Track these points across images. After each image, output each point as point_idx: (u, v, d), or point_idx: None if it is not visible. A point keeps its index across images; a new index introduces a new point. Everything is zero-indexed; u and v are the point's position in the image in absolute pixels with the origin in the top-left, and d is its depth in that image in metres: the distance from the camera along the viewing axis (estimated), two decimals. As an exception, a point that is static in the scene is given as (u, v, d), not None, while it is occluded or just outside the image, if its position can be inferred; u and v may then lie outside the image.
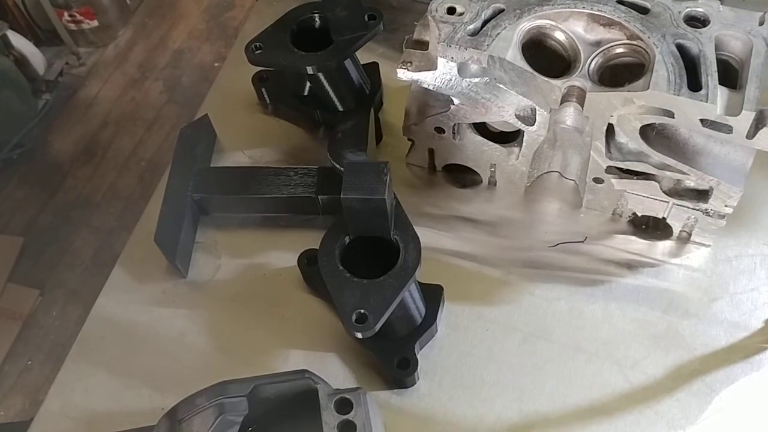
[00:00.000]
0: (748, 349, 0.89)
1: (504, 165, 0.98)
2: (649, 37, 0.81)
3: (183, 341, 0.95)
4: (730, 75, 0.80)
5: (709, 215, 0.91)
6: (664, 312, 0.92)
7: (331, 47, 1.00)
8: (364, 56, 1.10)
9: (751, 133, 0.77)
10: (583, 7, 0.85)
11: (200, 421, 0.69)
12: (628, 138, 0.84)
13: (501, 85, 0.85)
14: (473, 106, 0.89)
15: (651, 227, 0.98)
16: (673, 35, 0.80)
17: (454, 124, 0.95)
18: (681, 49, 0.80)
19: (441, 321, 0.92)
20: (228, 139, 1.12)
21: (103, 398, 0.91)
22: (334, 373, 0.91)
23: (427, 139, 0.99)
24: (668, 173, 0.87)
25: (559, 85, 0.82)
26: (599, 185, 0.94)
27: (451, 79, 0.88)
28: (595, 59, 0.85)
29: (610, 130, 0.85)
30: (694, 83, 0.77)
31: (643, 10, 0.84)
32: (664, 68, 0.78)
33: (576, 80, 0.82)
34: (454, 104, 0.91)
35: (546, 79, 0.83)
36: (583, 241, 0.98)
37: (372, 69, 1.11)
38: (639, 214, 0.96)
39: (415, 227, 0.86)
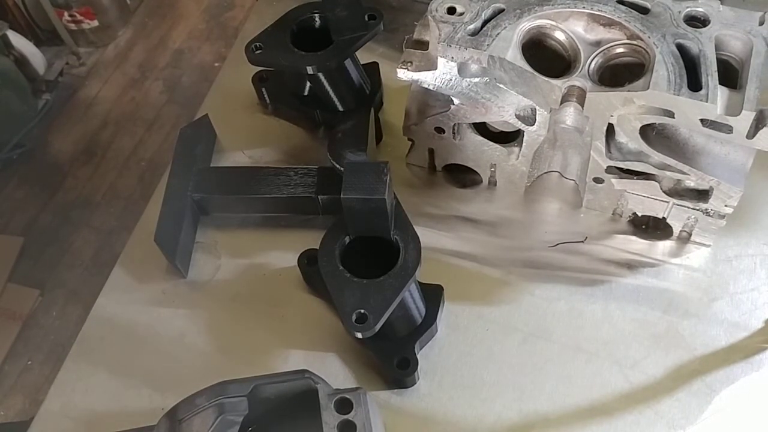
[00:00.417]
0: (748, 349, 0.89)
1: (504, 165, 0.98)
2: (649, 37, 0.81)
3: (183, 341, 0.95)
4: (730, 75, 0.80)
5: (709, 215, 0.91)
6: (664, 312, 0.92)
7: (331, 47, 1.00)
8: (364, 56, 1.10)
9: (751, 133, 0.77)
10: (583, 7, 0.85)
11: (200, 421, 0.69)
12: (628, 138, 0.84)
13: (501, 85, 0.85)
14: (473, 106, 0.89)
15: (651, 227, 0.98)
16: (673, 35, 0.80)
17: (454, 124, 0.95)
18: (681, 49, 0.80)
19: (441, 321, 0.92)
20: (228, 139, 1.12)
21: (103, 398, 0.91)
22: (334, 373, 0.91)
23: (427, 139, 0.99)
24: (668, 173, 0.87)
25: (559, 85, 0.82)
26: (599, 185, 0.94)
27: (451, 79, 0.88)
28: (595, 59, 0.85)
29: (610, 130, 0.85)
30: (694, 83, 0.77)
31: (643, 10, 0.84)
32: (664, 68, 0.78)
33: (576, 80, 0.82)
34: (454, 104, 0.91)
35: (546, 79, 0.83)
36: (583, 241, 0.98)
37: (372, 69, 1.11)
38: (639, 214, 0.96)
39: (415, 227, 0.86)
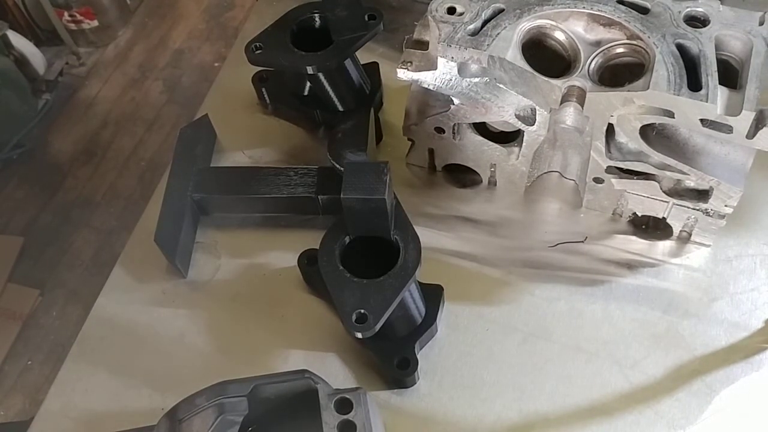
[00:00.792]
0: (748, 349, 0.89)
1: (504, 165, 0.98)
2: (649, 37, 0.81)
3: (183, 341, 0.95)
4: (730, 75, 0.80)
5: (709, 215, 0.91)
6: (664, 312, 0.92)
7: (331, 47, 1.00)
8: (364, 56, 1.10)
9: (751, 133, 0.77)
10: (583, 7, 0.85)
11: (200, 421, 0.69)
12: (628, 138, 0.84)
13: (501, 85, 0.85)
14: (473, 106, 0.89)
15: (651, 227, 0.98)
16: (673, 35, 0.80)
17: (454, 124, 0.95)
18: (681, 49, 0.80)
19: (441, 321, 0.92)
20: (228, 139, 1.12)
21: (103, 398, 0.91)
22: (334, 373, 0.91)
23: (427, 139, 0.99)
24: (668, 173, 0.87)
25: (559, 85, 0.82)
26: (599, 185, 0.94)
27: (451, 79, 0.88)
28: (595, 59, 0.85)
29: (610, 130, 0.85)
30: (694, 83, 0.77)
31: (643, 10, 0.84)
32: (664, 68, 0.78)
33: (576, 80, 0.82)
34: (454, 104, 0.91)
35: (546, 79, 0.83)
36: (583, 241, 0.98)
37: (372, 69, 1.11)
38: (639, 214, 0.96)
39: (415, 227, 0.86)
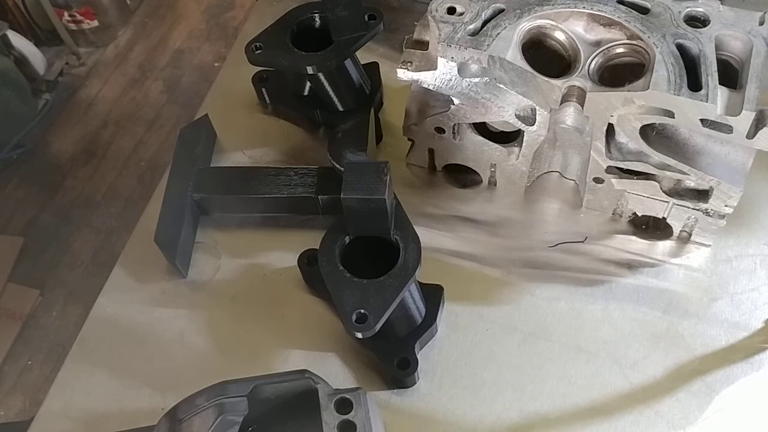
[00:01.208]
0: (748, 349, 0.89)
1: (504, 165, 0.98)
2: (649, 37, 0.81)
3: (183, 341, 0.95)
4: (730, 75, 0.80)
5: (709, 215, 0.91)
6: (664, 312, 0.92)
7: (331, 47, 1.00)
8: (364, 56, 1.10)
9: (751, 133, 0.77)
10: (584, 7, 0.85)
11: (200, 421, 0.69)
12: (628, 138, 0.84)
13: (501, 85, 0.85)
14: (473, 106, 0.89)
15: (651, 227, 0.98)
16: (673, 35, 0.80)
17: (454, 124, 0.95)
18: (681, 49, 0.80)
19: (441, 321, 0.92)
20: (228, 139, 1.12)
21: (103, 398, 0.91)
22: (334, 373, 0.91)
23: (427, 139, 0.99)
24: (668, 173, 0.87)
25: (559, 85, 0.82)
26: (599, 185, 0.94)
27: (451, 79, 0.88)
28: (596, 59, 0.85)
29: (610, 130, 0.85)
30: (694, 83, 0.77)
31: (643, 10, 0.84)
32: (664, 68, 0.78)
33: (576, 80, 0.82)
34: (454, 104, 0.91)
35: (546, 79, 0.83)
36: (583, 241, 0.98)
37: (372, 69, 1.11)
38: (639, 214, 0.96)
39: (415, 227, 0.86)
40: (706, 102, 0.75)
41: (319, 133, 1.11)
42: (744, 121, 0.75)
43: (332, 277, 0.83)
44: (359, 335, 0.79)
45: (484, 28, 0.84)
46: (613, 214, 0.99)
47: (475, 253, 0.98)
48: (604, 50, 0.85)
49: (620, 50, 0.85)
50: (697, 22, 0.82)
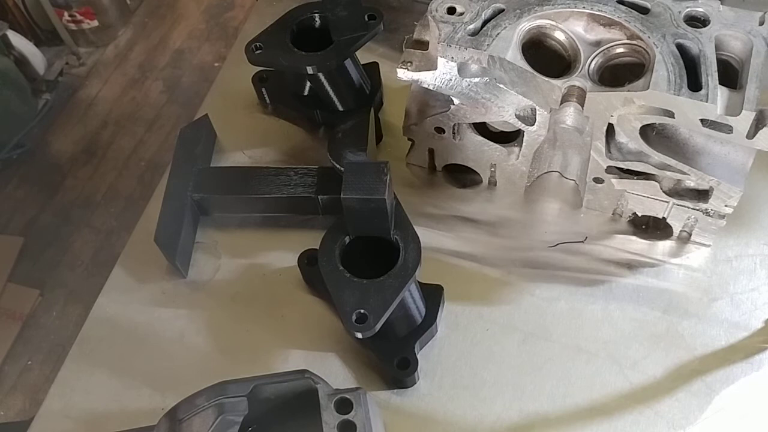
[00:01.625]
0: (748, 349, 0.89)
1: (504, 165, 0.98)
2: (649, 37, 0.81)
3: (183, 341, 0.95)
4: (730, 75, 0.80)
5: (709, 215, 0.91)
6: (664, 312, 0.92)
7: (331, 47, 1.00)
8: (364, 56, 1.10)
9: (751, 133, 0.77)
10: (583, 7, 0.85)
11: (200, 421, 0.69)
12: (628, 138, 0.84)
13: (501, 85, 0.85)
14: (473, 106, 0.89)
15: (651, 227, 0.98)
16: (673, 35, 0.80)
17: (454, 124, 0.95)
18: (681, 49, 0.80)
19: (441, 321, 0.92)
20: (228, 139, 1.12)
21: (103, 398, 0.91)
22: (334, 373, 0.91)
23: (427, 139, 0.99)
24: (668, 173, 0.87)
25: (559, 85, 0.82)
26: (599, 185, 0.94)
27: (451, 79, 0.88)
28: (596, 59, 0.85)
29: (610, 130, 0.85)
30: (694, 83, 0.77)
31: (643, 10, 0.84)
32: (664, 68, 0.78)
33: (576, 80, 0.82)
34: (454, 104, 0.91)
35: (546, 79, 0.83)
36: (583, 241, 0.98)
37: (372, 69, 1.11)
38: (639, 214, 0.96)
39: (415, 227, 0.86)
40: (706, 102, 0.75)
41: (319, 133, 1.11)
42: (744, 121, 0.75)
43: (332, 277, 0.83)
44: (359, 335, 0.79)
45: (484, 28, 0.84)
46: (613, 214, 0.99)
47: (475, 253, 0.98)
48: (604, 50, 0.85)
49: (620, 50, 0.85)
50: (697, 22, 0.82)
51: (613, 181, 0.92)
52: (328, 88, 1.06)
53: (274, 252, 1.01)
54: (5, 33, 2.43)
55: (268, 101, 1.13)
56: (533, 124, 0.88)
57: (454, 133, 0.96)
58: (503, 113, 0.88)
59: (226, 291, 0.98)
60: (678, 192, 0.91)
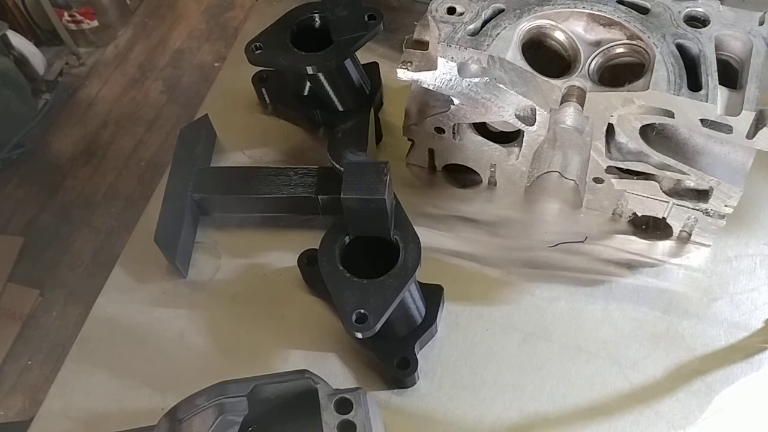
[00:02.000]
0: (748, 349, 0.89)
1: (504, 165, 0.98)
2: (649, 37, 0.81)
3: (183, 341, 0.95)
4: (730, 75, 0.80)
5: (709, 215, 0.91)
6: (664, 312, 0.92)
7: (331, 47, 1.00)
8: (364, 56, 1.10)
9: (751, 133, 0.77)
10: (583, 7, 0.85)
11: (200, 421, 0.69)
12: (628, 138, 0.84)
13: (501, 85, 0.85)
14: (473, 106, 0.89)
15: (651, 227, 0.98)
16: (673, 35, 0.80)
17: (454, 124, 0.95)
18: (681, 49, 0.80)
19: (441, 321, 0.92)
20: (228, 139, 1.12)
21: (103, 398, 0.91)
22: (334, 373, 0.91)
23: (427, 139, 0.99)
24: (668, 173, 0.87)
25: (559, 85, 0.82)
26: (599, 185, 0.94)
27: (451, 79, 0.88)
28: (595, 59, 0.85)
29: (610, 130, 0.85)
30: (694, 83, 0.77)
31: (643, 10, 0.84)
32: (664, 68, 0.78)
33: (576, 80, 0.82)
34: (454, 104, 0.91)
35: (546, 79, 0.83)
36: (583, 241, 0.98)
37: (372, 69, 1.11)
38: (639, 214, 0.96)
39: (415, 227, 0.86)
40: (706, 102, 0.75)
41: (319, 133, 1.11)
42: (744, 121, 0.75)
43: (332, 277, 0.83)
44: (359, 335, 0.79)
45: (484, 28, 0.84)
46: (613, 214, 0.99)
47: (475, 253, 0.98)
48: (604, 50, 0.85)
49: (620, 50, 0.85)
50: (697, 22, 0.82)
51: (613, 181, 0.92)
52: (328, 88, 1.06)
53: (274, 252, 1.01)
54: (5, 33, 2.43)
55: (268, 101, 1.13)
56: (533, 124, 0.88)
57: (454, 133, 0.96)
58: (503, 113, 0.88)
59: (226, 291, 0.98)
60: (678, 192, 0.91)
